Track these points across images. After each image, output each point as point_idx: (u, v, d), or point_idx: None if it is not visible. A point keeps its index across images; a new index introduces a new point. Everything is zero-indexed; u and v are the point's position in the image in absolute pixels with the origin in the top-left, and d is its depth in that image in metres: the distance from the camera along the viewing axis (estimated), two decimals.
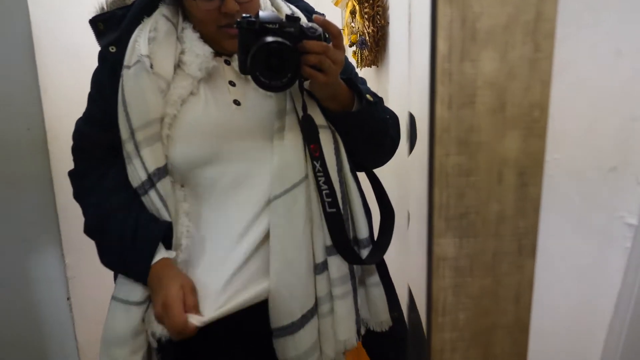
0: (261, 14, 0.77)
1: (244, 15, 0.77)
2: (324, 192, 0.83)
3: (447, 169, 0.47)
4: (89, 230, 0.91)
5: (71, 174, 0.95)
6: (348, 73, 0.98)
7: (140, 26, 0.89)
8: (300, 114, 0.85)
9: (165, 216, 0.85)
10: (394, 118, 0.96)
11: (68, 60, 1.50)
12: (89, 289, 1.44)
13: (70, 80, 1.46)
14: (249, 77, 0.78)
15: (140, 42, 0.86)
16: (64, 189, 1.39)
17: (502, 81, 0.45)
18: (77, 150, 0.95)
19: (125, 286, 0.86)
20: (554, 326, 0.63)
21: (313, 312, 0.85)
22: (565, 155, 0.60)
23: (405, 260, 1.05)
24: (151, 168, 0.84)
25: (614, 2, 0.56)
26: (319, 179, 0.83)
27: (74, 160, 0.96)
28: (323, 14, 0.89)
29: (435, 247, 0.48)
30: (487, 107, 0.46)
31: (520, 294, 0.51)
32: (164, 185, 0.85)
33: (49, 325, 1.41)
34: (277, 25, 0.76)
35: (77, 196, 0.95)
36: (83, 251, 1.48)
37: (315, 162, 0.83)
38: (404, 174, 1.12)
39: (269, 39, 0.74)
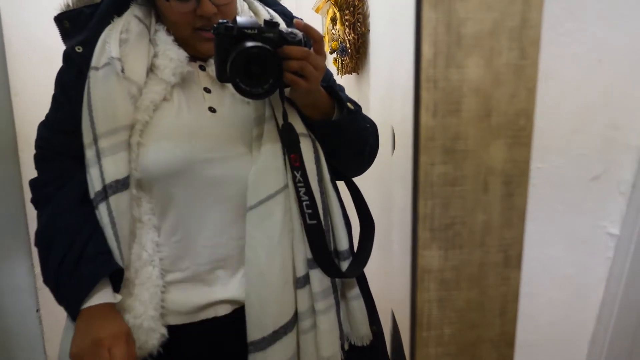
0: (239, 19, 0.74)
1: (220, 21, 0.73)
2: (304, 203, 0.79)
3: (432, 178, 0.45)
4: (36, 243, 0.85)
5: (31, 182, 0.89)
6: (327, 80, 0.96)
7: (110, 26, 0.84)
8: (280, 121, 0.81)
9: (109, 235, 0.80)
10: (373, 126, 0.94)
11: (41, 63, 1.45)
12: None
13: (44, 84, 1.40)
14: (226, 84, 0.75)
15: (110, 43, 0.82)
16: None
17: (487, 88, 0.44)
18: (39, 158, 0.89)
19: None
20: (537, 337, 0.62)
21: (289, 327, 0.81)
22: (549, 165, 0.59)
23: (387, 272, 1.03)
24: (109, 179, 0.79)
25: (596, 10, 0.56)
26: (300, 189, 0.80)
27: (36, 168, 0.90)
28: (302, 19, 0.87)
29: (419, 259, 0.47)
30: (473, 115, 0.45)
31: (506, 306, 0.50)
32: (118, 200, 0.80)
33: (17, 336, 1.35)
34: (256, 31, 0.73)
35: (35, 203, 0.89)
36: None
37: (295, 172, 0.80)
38: (385, 182, 1.11)
39: (249, 44, 0.71)
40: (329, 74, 1.00)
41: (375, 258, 0.91)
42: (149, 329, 0.80)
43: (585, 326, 0.67)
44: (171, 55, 0.83)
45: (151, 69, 0.84)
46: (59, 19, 0.86)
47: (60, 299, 0.80)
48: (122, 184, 0.80)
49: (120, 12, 0.86)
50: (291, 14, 1.00)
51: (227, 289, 0.86)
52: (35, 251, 1.36)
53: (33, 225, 1.36)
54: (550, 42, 0.51)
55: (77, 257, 0.79)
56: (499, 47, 0.43)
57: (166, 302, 0.84)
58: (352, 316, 0.90)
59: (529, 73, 0.45)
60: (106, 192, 0.80)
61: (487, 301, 0.49)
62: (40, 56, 1.45)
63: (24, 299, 1.36)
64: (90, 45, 0.83)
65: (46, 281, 0.82)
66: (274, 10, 0.97)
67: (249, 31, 0.72)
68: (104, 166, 0.79)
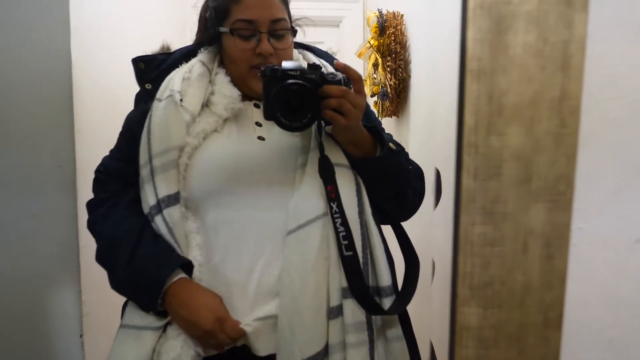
0: (284, 63, 0.81)
1: (268, 65, 0.81)
2: (340, 234, 0.81)
3: (472, 238, 0.47)
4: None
5: (88, 203, 0.98)
6: (371, 121, 1.00)
7: (177, 69, 0.95)
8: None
9: (170, 242, 0.85)
10: (417, 170, 0.95)
11: (104, 104, 1.57)
12: (103, 327, 1.44)
13: (104, 124, 1.52)
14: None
15: (175, 79, 0.92)
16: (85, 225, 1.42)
17: (528, 154, 0.46)
18: (97, 181, 0.98)
19: (137, 312, 0.85)
20: None
21: (318, 359, 0.79)
22: (590, 225, 0.60)
23: (427, 313, 1.01)
24: (162, 194, 0.85)
25: (636, 77, 0.58)
26: (336, 220, 0.82)
27: (93, 191, 0.99)
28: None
29: (458, 316, 0.48)
30: (513, 179, 0.47)
31: None
32: (171, 212, 0.85)
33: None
34: (298, 72, 0.79)
35: (91, 224, 0.96)
36: (101, 289, 1.49)
37: (332, 203, 0.82)
38: (428, 228, 1.12)
39: (289, 81, 0.78)
40: (373, 117, 1.05)
41: (417, 298, 0.90)
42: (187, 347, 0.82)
43: None
44: (225, 93, 0.92)
45: (207, 104, 0.93)
46: (136, 61, 0.97)
47: (140, 291, 0.84)
48: (173, 199, 0.86)
49: (189, 59, 0.97)
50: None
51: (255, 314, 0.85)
52: (84, 277, 1.44)
53: (84, 254, 1.44)
54: (590, 109, 0.53)
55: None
56: (539, 116, 0.46)
57: None
58: (394, 358, 0.87)
59: (569, 141, 0.47)
60: (160, 206, 0.86)
61: None
62: (103, 98, 1.58)
63: (69, 324, 1.42)
64: (158, 83, 0.94)
65: (118, 286, 0.88)
66: (327, 61, 1.03)
67: (292, 72, 0.79)
68: (157, 183, 0.86)
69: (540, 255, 0.48)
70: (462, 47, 0.44)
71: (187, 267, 0.85)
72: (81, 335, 1.41)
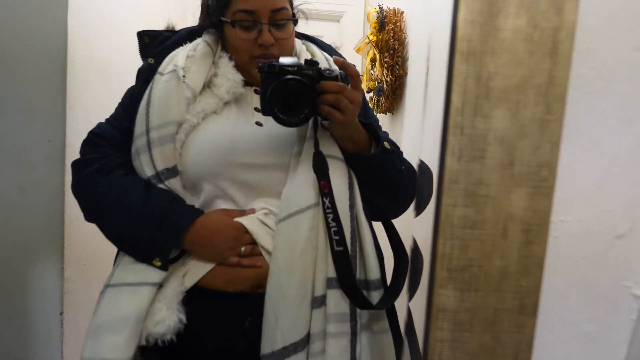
0: (282, 59, 0.82)
1: (265, 61, 0.82)
2: (332, 229, 0.81)
3: (453, 219, 0.47)
4: (98, 205, 0.90)
5: (74, 163, 0.95)
6: (369, 118, 1.00)
7: (181, 47, 0.96)
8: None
9: None
10: (410, 171, 0.95)
11: (98, 81, 1.56)
12: (84, 305, 1.42)
13: (96, 100, 1.51)
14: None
15: (179, 56, 0.93)
16: (74, 203, 1.40)
17: (512, 138, 0.46)
18: (87, 142, 0.97)
19: (131, 270, 0.84)
20: None
21: (299, 347, 0.80)
22: (572, 218, 0.60)
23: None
24: (160, 167, 0.87)
25: (625, 72, 0.58)
26: (328, 215, 0.82)
27: (81, 152, 0.97)
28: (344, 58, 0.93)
29: (435, 298, 0.48)
30: (497, 163, 0.47)
31: (519, 354, 0.50)
32: (172, 183, 0.88)
33: (39, 336, 1.39)
34: (295, 68, 0.80)
35: (78, 184, 0.94)
36: (84, 267, 1.48)
37: (324, 199, 0.82)
38: (407, 218, 1.12)
39: (287, 76, 0.78)
40: (370, 113, 1.05)
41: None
42: (171, 323, 0.82)
43: None
44: (228, 76, 0.93)
45: (209, 85, 0.94)
46: (141, 35, 0.98)
47: (157, 225, 0.84)
48: (172, 172, 0.88)
49: (193, 39, 0.98)
50: (344, 59, 1.06)
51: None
52: (68, 254, 1.42)
53: (69, 231, 1.42)
54: (578, 100, 0.53)
55: (164, 191, 0.88)
56: (525, 101, 0.46)
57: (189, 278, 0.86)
58: (379, 351, 0.88)
59: (554, 127, 0.47)
60: (160, 177, 0.88)
61: (499, 347, 0.50)
62: (98, 75, 1.57)
63: (50, 301, 1.41)
64: (161, 58, 0.94)
65: (125, 223, 0.86)
66: (330, 54, 1.03)
67: (290, 68, 0.80)
68: (154, 155, 0.87)
69: (520, 241, 0.48)
70: (452, 28, 0.44)
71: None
72: (61, 313, 1.40)
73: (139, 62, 0.99)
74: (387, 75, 1.99)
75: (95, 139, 0.97)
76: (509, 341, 0.50)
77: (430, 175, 0.95)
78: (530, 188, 0.48)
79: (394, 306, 0.92)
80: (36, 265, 1.39)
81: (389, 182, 0.92)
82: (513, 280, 0.49)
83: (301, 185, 0.84)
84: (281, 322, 0.79)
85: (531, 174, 0.47)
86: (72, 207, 1.43)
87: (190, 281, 0.86)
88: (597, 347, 0.65)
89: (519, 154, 0.47)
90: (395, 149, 0.94)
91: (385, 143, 0.89)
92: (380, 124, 1.07)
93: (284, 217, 0.83)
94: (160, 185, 0.88)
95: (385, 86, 2.01)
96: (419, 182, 0.92)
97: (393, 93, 2.01)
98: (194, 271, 0.87)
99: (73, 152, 1.44)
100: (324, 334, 0.81)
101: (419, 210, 0.90)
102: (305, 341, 0.81)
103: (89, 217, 0.93)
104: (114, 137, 0.95)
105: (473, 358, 0.49)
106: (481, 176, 0.47)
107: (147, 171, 0.88)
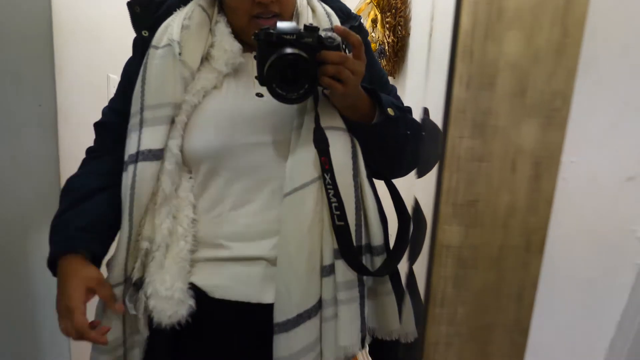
0: (279, 24, 0.77)
1: (262, 28, 0.77)
2: (333, 204, 0.81)
3: (459, 152, 0.45)
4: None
5: (86, 151, 1.01)
6: (378, 79, 0.98)
7: (175, 13, 0.91)
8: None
9: (125, 198, 0.87)
10: (416, 134, 0.93)
11: (85, 43, 1.50)
12: None
13: (85, 63, 1.46)
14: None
15: (173, 26, 0.88)
16: (70, 171, 1.38)
17: (525, 64, 0.44)
18: (96, 133, 1.01)
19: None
20: (553, 335, 0.60)
21: (312, 313, 0.83)
22: (582, 159, 0.58)
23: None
24: (143, 147, 0.85)
25: None
26: (329, 191, 0.82)
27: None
28: (360, 17, 0.90)
29: (439, 233, 0.46)
30: (507, 91, 0.44)
31: (523, 292, 0.49)
32: (145, 167, 0.86)
33: (42, 302, 1.39)
34: (294, 36, 0.76)
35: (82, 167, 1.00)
36: None
37: (325, 175, 0.82)
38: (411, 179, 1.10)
39: (285, 50, 0.74)
40: (381, 73, 1.02)
41: None
42: (179, 301, 0.84)
43: (604, 332, 0.64)
44: (225, 47, 0.89)
45: (207, 58, 0.90)
46: (131, 4, 0.93)
47: (50, 240, 0.91)
48: (153, 155, 0.86)
49: (187, 3, 0.93)
50: (349, 10, 1.02)
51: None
52: None
53: None
54: (597, 28, 0.50)
55: (72, 216, 0.89)
56: (540, 24, 0.43)
57: (196, 278, 0.88)
58: (383, 312, 0.91)
59: (570, 53, 0.44)
60: (137, 157, 0.85)
61: (504, 285, 0.48)
62: (85, 37, 1.51)
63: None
64: (155, 29, 0.90)
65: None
66: (331, 7, 0.99)
67: (288, 37, 0.76)
68: (143, 134, 0.86)
69: (529, 176, 0.46)
70: None
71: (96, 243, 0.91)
72: None
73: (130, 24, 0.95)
74: (388, 37, 1.94)
75: (100, 130, 0.99)
76: (514, 279, 0.48)
77: (437, 136, 0.93)
78: (542, 118, 0.45)
79: (397, 270, 0.94)
80: (34, 233, 1.38)
81: (393, 149, 0.91)
82: (520, 217, 0.47)
83: (303, 159, 0.84)
84: (293, 293, 0.81)
85: (544, 103, 0.45)
86: (68, 173, 1.41)
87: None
88: (599, 292, 0.64)
89: (531, 81, 0.44)
90: (400, 114, 0.90)
91: (389, 110, 0.86)
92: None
93: (289, 191, 0.83)
94: (130, 167, 0.87)
95: (386, 48, 1.96)
96: (425, 143, 0.91)
97: (395, 55, 1.96)
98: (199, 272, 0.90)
99: (65, 116, 1.41)
100: (335, 300, 0.84)
101: (421, 173, 0.89)
102: (318, 307, 0.84)
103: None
104: (114, 124, 0.95)
105: (476, 295, 0.48)
106: (490, 105, 0.44)
107: (131, 149, 0.87)
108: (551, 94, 0.45)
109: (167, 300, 0.83)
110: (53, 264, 0.89)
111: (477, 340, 0.49)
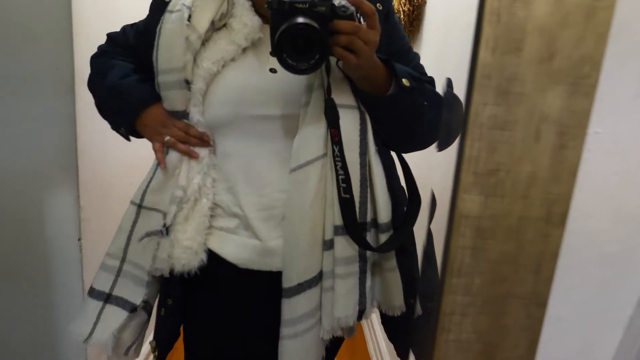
0: None
1: None
2: (340, 177, 0.83)
3: (482, 119, 0.44)
4: (94, 74, 1.03)
5: (92, 56, 1.06)
6: (399, 48, 0.96)
7: None
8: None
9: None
10: (435, 105, 0.92)
11: (103, 5, 1.50)
12: (101, 231, 1.45)
13: (103, 26, 1.45)
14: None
15: None
16: (87, 131, 1.39)
17: (553, 28, 0.42)
18: (110, 39, 1.07)
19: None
20: (571, 309, 0.60)
21: (313, 283, 0.87)
22: (607, 130, 0.56)
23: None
24: (167, 108, 0.91)
25: None
26: (337, 163, 0.83)
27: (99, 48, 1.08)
28: None
29: (459, 202, 0.45)
30: (534, 56, 0.42)
31: (542, 264, 0.48)
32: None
33: (57, 262, 1.43)
34: (307, 5, 0.74)
35: (89, 84, 1.05)
36: (99, 196, 1.49)
37: (334, 147, 0.83)
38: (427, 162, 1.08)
39: (296, 20, 0.73)
40: (402, 42, 1.00)
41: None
42: (195, 252, 0.90)
43: (623, 308, 0.64)
44: (245, 21, 0.90)
45: (225, 26, 0.92)
46: None
47: (121, 100, 0.96)
48: (180, 115, 0.91)
49: None
50: None
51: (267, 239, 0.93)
52: (82, 183, 1.43)
53: (82, 160, 1.42)
54: None
55: (139, 79, 0.97)
56: None
57: (209, 243, 0.93)
58: (386, 287, 0.94)
59: (602, 17, 0.42)
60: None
61: (522, 256, 0.48)
62: (103, 1, 1.50)
63: (67, 228, 1.43)
64: None
65: (106, 87, 0.98)
66: None
67: (300, 6, 0.74)
68: (163, 97, 0.92)
69: (553, 145, 0.45)
70: None
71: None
72: (79, 239, 1.43)
73: None
74: (404, 5, 1.88)
75: (117, 36, 1.06)
76: (533, 251, 0.48)
77: (460, 107, 0.91)
78: (570, 85, 0.43)
79: (405, 247, 0.95)
80: (51, 194, 1.41)
81: (408, 121, 0.90)
82: (542, 187, 0.46)
83: (309, 137, 0.85)
84: (295, 264, 0.86)
85: (572, 69, 0.43)
86: (85, 136, 1.42)
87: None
88: (619, 268, 0.63)
89: (560, 46, 0.42)
90: (417, 85, 0.89)
91: (404, 80, 0.85)
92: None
93: (294, 168, 0.86)
94: None
95: (402, 17, 1.91)
96: (446, 115, 0.89)
97: (410, 24, 1.91)
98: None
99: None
100: (334, 273, 0.87)
101: (442, 146, 0.88)
102: (319, 278, 0.88)
103: (90, 87, 1.04)
104: (128, 43, 1.02)
105: (495, 266, 0.48)
106: (516, 71, 0.42)
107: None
108: (580, 59, 0.43)
109: (185, 250, 0.88)
110: (129, 122, 0.96)
111: (493, 311, 0.49)
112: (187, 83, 0.89)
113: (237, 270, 0.93)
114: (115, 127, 1.00)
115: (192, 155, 0.90)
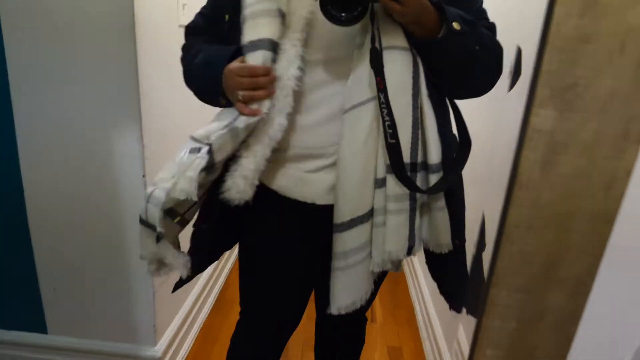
0: None
1: None
2: (386, 123, 0.84)
3: (564, 31, 0.43)
4: (185, 80, 1.05)
5: (180, 58, 1.09)
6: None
7: None
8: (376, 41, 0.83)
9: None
10: (490, 47, 0.90)
11: None
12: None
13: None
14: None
15: None
16: (146, 73, 1.45)
17: None
18: (185, 34, 1.08)
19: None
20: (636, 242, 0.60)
21: (364, 218, 0.90)
22: None
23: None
24: (246, 40, 0.89)
25: None
26: (383, 110, 0.84)
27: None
28: None
29: (532, 117, 0.46)
30: None
31: (614, 181, 0.48)
32: (254, 57, 0.89)
33: (123, 199, 1.54)
34: None
35: (183, 60, 1.07)
36: (160, 137, 1.57)
37: (380, 94, 0.84)
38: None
39: None
40: None
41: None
42: (251, 183, 0.91)
43: None
44: None
45: None
46: None
47: (208, 67, 0.96)
48: (263, 45, 0.89)
49: None
50: None
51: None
52: (145, 123, 1.51)
53: (144, 102, 1.49)
54: None
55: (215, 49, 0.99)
56: None
57: (263, 176, 0.95)
58: (435, 226, 0.96)
59: None
60: (243, 50, 0.91)
61: (595, 173, 0.48)
62: None
63: (132, 165, 1.52)
64: None
65: (196, 65, 1.00)
66: None
67: None
68: (245, 30, 0.90)
69: (638, 59, 0.44)
70: None
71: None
72: (144, 175, 1.52)
73: None
74: None
75: (189, 32, 1.08)
76: (607, 167, 0.48)
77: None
78: None
79: (454, 189, 0.98)
80: (115, 130, 1.50)
81: (459, 66, 0.88)
82: (622, 102, 0.46)
83: (362, 78, 0.86)
84: (347, 200, 0.89)
85: None
86: (145, 79, 1.48)
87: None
88: None
89: None
90: (468, 28, 0.86)
91: (454, 24, 0.83)
92: None
93: (348, 108, 0.87)
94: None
95: None
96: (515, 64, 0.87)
97: None
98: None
99: (141, 21, 1.45)
100: (385, 210, 0.90)
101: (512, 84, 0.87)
102: (370, 214, 0.91)
103: (186, 82, 1.06)
104: (201, 27, 1.04)
105: (564, 181, 0.48)
106: None
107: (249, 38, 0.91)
108: None
109: (243, 178, 0.90)
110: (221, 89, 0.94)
111: (560, 225, 0.50)
112: (280, 15, 0.89)
113: (283, 200, 0.98)
114: (220, 101, 0.97)
115: (256, 114, 0.89)
